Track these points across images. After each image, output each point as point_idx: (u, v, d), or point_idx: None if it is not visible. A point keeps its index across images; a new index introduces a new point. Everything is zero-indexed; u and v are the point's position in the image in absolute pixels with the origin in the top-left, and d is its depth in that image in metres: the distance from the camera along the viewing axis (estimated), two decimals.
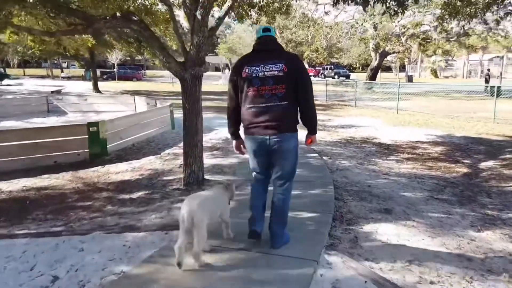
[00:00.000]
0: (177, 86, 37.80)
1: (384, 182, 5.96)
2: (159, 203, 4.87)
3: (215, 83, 42.63)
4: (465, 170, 6.86)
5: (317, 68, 56.12)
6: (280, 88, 3.05)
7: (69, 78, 49.47)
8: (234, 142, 3.52)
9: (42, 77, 50.48)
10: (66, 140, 7.05)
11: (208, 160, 7.10)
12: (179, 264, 2.92)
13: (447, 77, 58.77)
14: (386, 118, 13.67)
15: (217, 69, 76.58)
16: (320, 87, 23.59)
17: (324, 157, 7.57)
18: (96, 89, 26.73)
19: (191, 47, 5.32)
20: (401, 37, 22.01)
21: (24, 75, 54.25)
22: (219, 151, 7.91)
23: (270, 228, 3.32)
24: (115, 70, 45.39)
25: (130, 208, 4.75)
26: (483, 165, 7.21)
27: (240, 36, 43.66)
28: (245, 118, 3.20)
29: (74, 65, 72.35)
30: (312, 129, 3.38)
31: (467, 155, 8.01)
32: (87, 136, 7.19)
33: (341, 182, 5.86)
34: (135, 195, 5.26)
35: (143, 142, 8.86)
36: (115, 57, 41.17)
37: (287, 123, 3.13)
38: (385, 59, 27.05)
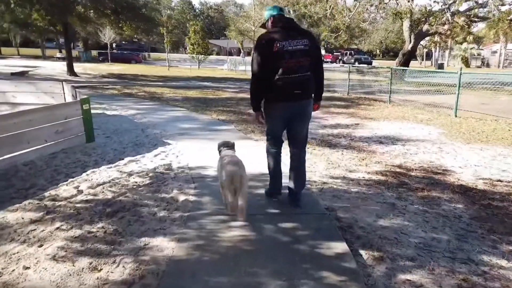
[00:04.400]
0: (172, 70, 33.43)
1: None
2: None
3: (220, 67, 38.09)
4: None
5: (335, 53, 50.79)
6: (306, 60, 3.40)
7: (64, 58, 45.53)
8: (255, 113, 3.64)
9: (37, 57, 46.53)
10: None
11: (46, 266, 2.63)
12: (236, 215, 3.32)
13: (479, 67, 53.00)
14: (444, 125, 8.95)
15: (229, 53, 71.81)
16: (339, 75, 18.79)
17: (362, 251, 3.05)
18: (70, 71, 22.45)
19: None
20: (447, 13, 16.95)
21: (0, 54, 50.61)
22: (115, 220, 3.40)
23: (293, 191, 3.72)
24: (107, 51, 41.01)
25: None
26: None
27: (250, 17, 38.47)
28: (276, 87, 3.40)
29: (79, 45, 68.59)
30: (320, 97, 3.77)
31: None
32: None
33: None
34: None
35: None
36: (108, 36, 36.72)
37: (311, 90, 3.57)
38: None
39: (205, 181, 4.49)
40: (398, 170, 5.40)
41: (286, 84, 3.36)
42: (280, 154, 3.81)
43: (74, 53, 52.83)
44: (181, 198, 3.94)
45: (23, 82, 9.69)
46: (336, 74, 19.71)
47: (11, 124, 4.93)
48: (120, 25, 21.57)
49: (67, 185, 4.21)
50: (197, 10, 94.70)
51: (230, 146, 3.77)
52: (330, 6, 20.22)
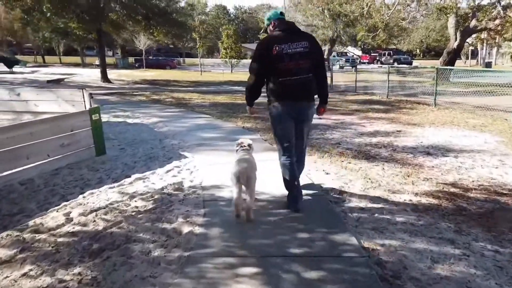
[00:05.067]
0: (205, 75, 33.23)
1: None
2: None
3: None
4: None
5: (372, 54, 48.95)
6: (305, 63, 3.43)
7: None
8: (248, 107, 3.84)
9: (77, 65, 48.02)
10: None
11: None
12: (238, 216, 3.35)
13: None
14: (502, 132, 7.79)
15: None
16: (377, 77, 17.69)
17: None
18: (104, 78, 22.61)
19: None
20: (498, 6, 15.39)
21: (44, 62, 52.40)
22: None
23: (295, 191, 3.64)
24: (142, 57, 41.60)
25: None
26: None
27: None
28: (277, 89, 3.49)
29: (118, 53, 70.53)
30: (326, 100, 3.74)
31: None
32: None
33: None
34: None
35: None
36: (142, 43, 37.18)
37: (312, 92, 3.60)
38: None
39: (218, 206, 3.79)
40: (452, 189, 4.46)
41: (287, 86, 3.43)
42: (294, 164, 3.67)
43: (111, 60, 54.41)
44: (185, 229, 3.25)
45: (45, 90, 9.45)
46: (374, 76, 18.59)
47: (9, 138, 4.46)
48: (151, 30, 21.50)
49: (57, 211, 3.63)
50: (231, 15, 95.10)
51: (248, 146, 3.78)
52: (367, 4, 19.10)
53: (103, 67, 22.67)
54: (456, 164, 5.52)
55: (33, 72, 30.11)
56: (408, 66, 33.49)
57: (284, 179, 3.72)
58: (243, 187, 3.28)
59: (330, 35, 30.88)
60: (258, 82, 3.54)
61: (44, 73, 28.61)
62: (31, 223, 3.37)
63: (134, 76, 29.16)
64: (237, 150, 3.73)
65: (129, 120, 8.99)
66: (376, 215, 3.64)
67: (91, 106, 7.42)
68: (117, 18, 20.69)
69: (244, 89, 3.93)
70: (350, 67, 32.85)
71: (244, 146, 3.74)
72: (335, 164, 5.37)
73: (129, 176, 4.69)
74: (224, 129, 7.81)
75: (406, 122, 9.03)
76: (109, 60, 56.44)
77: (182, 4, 44.56)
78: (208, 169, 5.02)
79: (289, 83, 3.40)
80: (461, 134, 7.62)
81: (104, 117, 9.47)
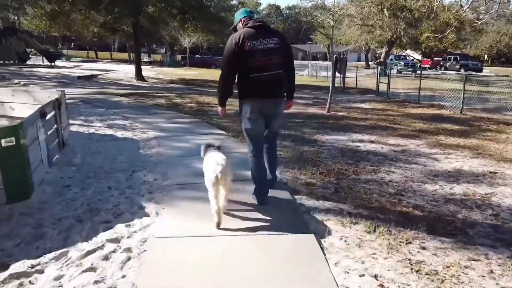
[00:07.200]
0: None
1: None
2: None
3: (301, 73, 35.06)
4: None
5: (434, 58, 44.34)
6: (277, 58, 3.48)
7: (150, 63, 46.51)
8: (221, 108, 3.77)
9: (125, 61, 48.07)
10: None
11: None
12: (219, 224, 3.13)
13: None
14: None
15: (314, 58, 68.16)
16: (446, 85, 14.59)
17: None
18: (138, 75, 21.20)
19: None
20: None
21: (96, 58, 52.71)
22: None
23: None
24: (187, 55, 40.44)
25: None
26: None
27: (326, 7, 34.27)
28: (248, 86, 3.47)
29: (170, 50, 70.67)
30: (293, 94, 3.86)
31: None
32: None
33: None
34: None
35: None
36: (187, 40, 35.91)
37: (283, 88, 3.65)
38: None
39: None
40: None
41: (259, 82, 3.43)
42: (262, 159, 3.77)
43: (158, 57, 54.04)
44: None
45: (20, 91, 7.75)
46: (441, 84, 15.50)
47: None
48: (186, 25, 19.78)
49: None
50: (284, 15, 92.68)
51: (216, 148, 3.59)
52: (436, 0, 16.00)
53: (138, 64, 21.31)
54: None
55: (74, 67, 29.67)
56: (478, 73, 29.40)
57: (252, 175, 3.73)
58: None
59: (389, 36, 27.58)
60: (231, 78, 3.48)
61: (84, 68, 27.99)
62: None
63: (174, 74, 27.73)
64: (206, 152, 3.55)
65: (120, 133, 6.98)
66: None
67: (59, 115, 5.50)
68: (153, 11, 19.14)
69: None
70: (410, 72, 29.36)
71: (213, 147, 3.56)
72: (395, 253, 2.93)
73: (7, 267, 2.56)
74: (233, 156, 5.51)
75: (498, 154, 6.27)
76: (157, 57, 56.52)
77: (234, 1, 43.02)
78: (165, 251, 2.80)
79: (261, 79, 3.41)
80: None
81: (95, 127, 7.58)
